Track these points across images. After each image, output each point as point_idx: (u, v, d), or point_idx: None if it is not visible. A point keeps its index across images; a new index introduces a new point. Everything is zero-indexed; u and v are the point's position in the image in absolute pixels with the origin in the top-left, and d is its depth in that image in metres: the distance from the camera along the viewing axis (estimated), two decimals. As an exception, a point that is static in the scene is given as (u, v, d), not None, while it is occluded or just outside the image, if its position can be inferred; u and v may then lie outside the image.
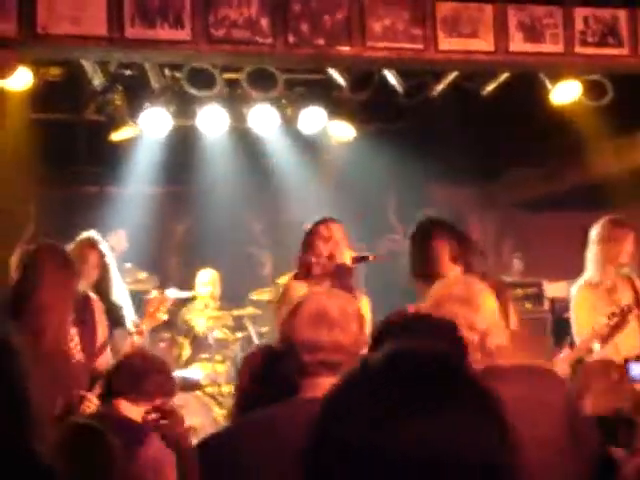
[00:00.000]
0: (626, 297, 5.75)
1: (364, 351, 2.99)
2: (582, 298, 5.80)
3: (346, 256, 5.14)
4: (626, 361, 4.03)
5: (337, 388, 1.32)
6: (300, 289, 4.87)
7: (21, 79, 6.53)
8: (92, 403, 4.50)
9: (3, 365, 2.15)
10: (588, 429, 3.09)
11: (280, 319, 4.66)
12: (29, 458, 2.09)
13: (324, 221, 5.28)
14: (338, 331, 2.84)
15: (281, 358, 2.98)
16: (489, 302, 3.11)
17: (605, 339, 5.50)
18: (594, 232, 5.90)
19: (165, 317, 5.64)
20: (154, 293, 5.93)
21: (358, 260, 5.23)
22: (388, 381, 1.27)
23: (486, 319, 3.03)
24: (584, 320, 5.70)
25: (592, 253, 5.85)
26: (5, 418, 2.10)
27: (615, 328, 5.50)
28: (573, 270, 8.17)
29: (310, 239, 5.24)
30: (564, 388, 3.04)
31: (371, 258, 5.30)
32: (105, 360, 4.88)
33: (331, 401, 1.31)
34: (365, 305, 5.06)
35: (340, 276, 5.05)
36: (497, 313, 3.12)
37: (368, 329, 4.93)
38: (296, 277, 5.27)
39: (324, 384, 2.76)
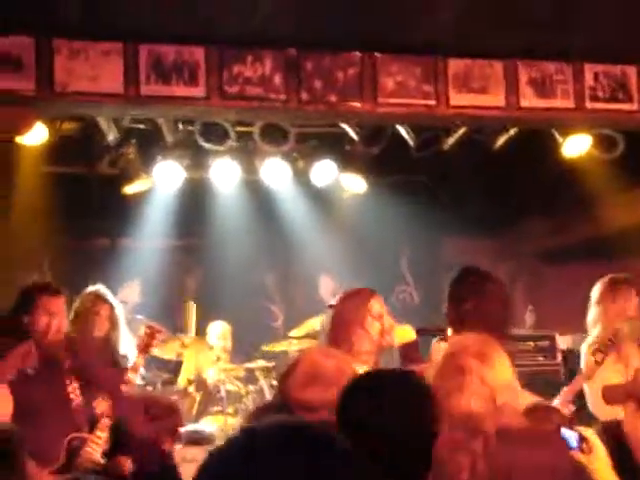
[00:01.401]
0: (632, 356, 5.74)
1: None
2: (588, 361, 5.79)
3: (404, 334, 4.64)
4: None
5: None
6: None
7: (36, 134, 6.59)
8: (96, 445, 4.53)
9: None
10: None
11: None
12: None
13: (373, 297, 4.64)
14: (334, 390, 2.85)
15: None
16: (503, 361, 3.12)
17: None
18: (594, 293, 5.93)
19: (156, 350, 5.65)
20: (143, 328, 5.93)
21: (422, 332, 4.76)
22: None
23: (498, 376, 3.03)
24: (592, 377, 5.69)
25: (594, 314, 5.87)
26: None
27: (600, 363, 5.52)
28: (584, 322, 8.17)
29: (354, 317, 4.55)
30: (569, 453, 3.03)
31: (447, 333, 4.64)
32: (104, 404, 4.89)
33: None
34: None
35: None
36: (510, 373, 3.12)
37: None
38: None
39: None
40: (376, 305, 4.58)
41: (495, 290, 4.53)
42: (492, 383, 3.00)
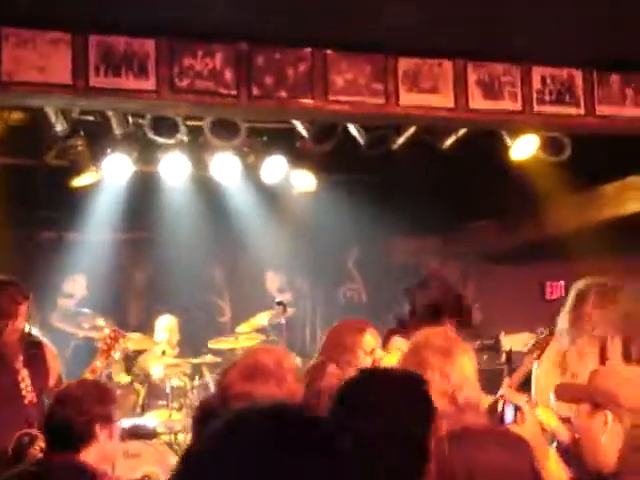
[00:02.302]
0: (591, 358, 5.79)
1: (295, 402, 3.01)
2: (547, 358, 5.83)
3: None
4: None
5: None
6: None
7: (-17, 124, 6.53)
8: (43, 443, 4.49)
9: None
10: None
11: None
12: None
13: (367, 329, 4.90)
14: (273, 383, 2.86)
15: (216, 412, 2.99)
16: (466, 357, 3.11)
17: None
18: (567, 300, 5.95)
19: (118, 355, 5.62)
20: (107, 331, 5.89)
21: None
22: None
23: (461, 373, 3.03)
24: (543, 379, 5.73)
25: (562, 324, 5.89)
26: None
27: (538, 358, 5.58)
28: (529, 322, 8.26)
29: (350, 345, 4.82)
30: (531, 454, 3.04)
31: None
32: None
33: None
34: None
35: None
36: (473, 371, 3.11)
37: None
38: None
39: None
40: (370, 340, 4.78)
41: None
42: (454, 380, 2.99)
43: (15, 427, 4.53)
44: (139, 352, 8.39)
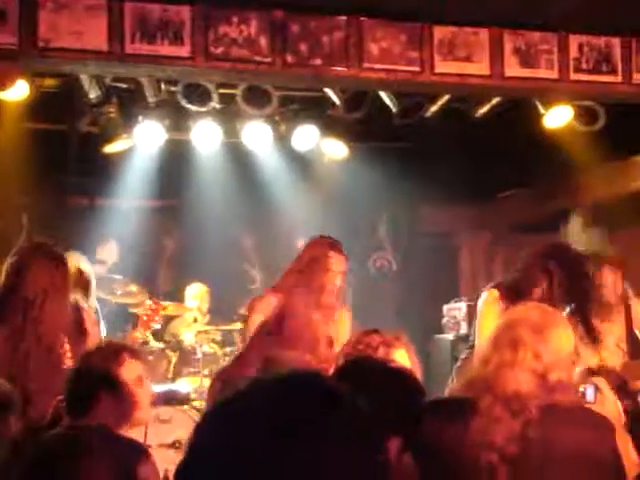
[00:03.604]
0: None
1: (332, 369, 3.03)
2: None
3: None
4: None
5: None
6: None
7: (18, 89, 6.54)
8: None
9: None
10: None
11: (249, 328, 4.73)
12: None
13: (332, 248, 5.30)
14: (306, 351, 2.89)
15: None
16: (563, 335, 3.00)
17: None
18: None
19: (158, 326, 5.66)
20: (148, 302, 5.93)
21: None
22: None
23: (553, 352, 2.92)
24: None
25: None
26: None
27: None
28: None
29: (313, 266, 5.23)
30: (613, 436, 2.95)
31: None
32: None
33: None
34: (345, 320, 5.20)
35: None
36: (569, 348, 3.01)
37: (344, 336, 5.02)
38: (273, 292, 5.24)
39: None
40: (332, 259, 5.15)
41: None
42: (546, 359, 2.89)
43: (55, 393, 4.57)
44: (170, 319, 8.43)
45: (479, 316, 5.17)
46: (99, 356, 3.69)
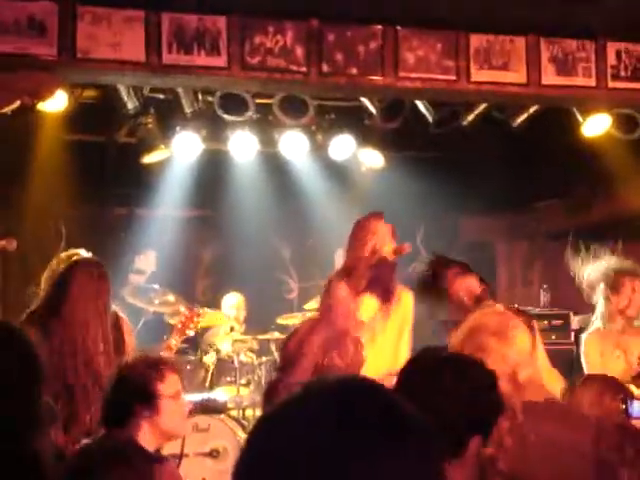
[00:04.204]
0: (633, 344, 5.75)
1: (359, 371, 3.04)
2: (592, 347, 5.81)
3: (387, 249, 5.15)
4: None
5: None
6: (342, 290, 4.95)
7: (57, 100, 6.61)
8: None
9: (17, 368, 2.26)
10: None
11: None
12: (29, 458, 2.17)
13: (372, 215, 5.33)
14: (334, 355, 2.90)
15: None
16: (522, 336, 3.13)
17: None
18: (594, 280, 5.91)
19: (193, 333, 5.69)
20: (182, 309, 5.97)
21: (396, 252, 5.21)
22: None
23: (518, 353, 3.04)
24: (595, 367, 5.69)
25: (600, 305, 5.86)
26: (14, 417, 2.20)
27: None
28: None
29: (356, 234, 5.25)
30: (598, 434, 3.02)
31: (407, 248, 5.28)
32: None
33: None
34: (408, 299, 5.22)
35: (381, 272, 5.07)
36: (529, 347, 3.14)
37: (408, 321, 4.99)
38: (338, 276, 5.21)
39: None
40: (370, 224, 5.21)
41: None
42: (513, 361, 3.00)
43: (95, 401, 4.59)
44: (207, 328, 8.47)
45: None
46: (139, 369, 3.70)
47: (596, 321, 5.90)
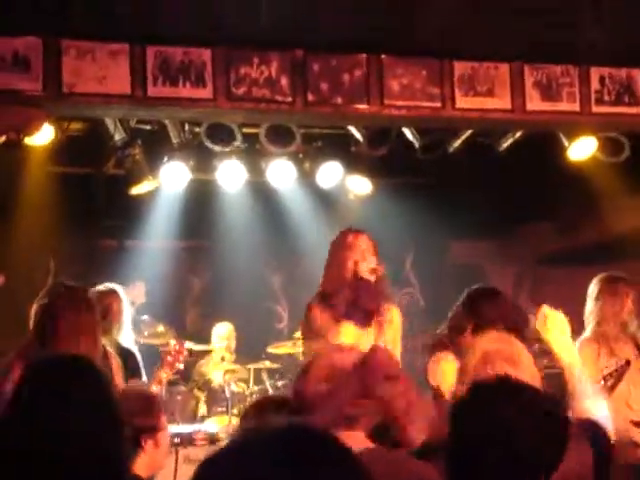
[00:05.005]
0: (626, 352, 5.76)
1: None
2: (584, 354, 5.79)
3: (366, 268, 4.87)
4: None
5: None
6: (324, 319, 4.79)
7: (43, 134, 6.62)
8: None
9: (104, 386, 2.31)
10: None
11: (309, 352, 4.63)
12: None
13: (350, 230, 5.11)
14: (397, 384, 2.88)
15: (277, 409, 3.00)
16: (528, 359, 3.13)
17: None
18: (592, 289, 5.94)
19: (182, 366, 5.67)
20: (172, 342, 5.96)
21: (374, 272, 4.90)
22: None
23: (528, 376, 3.01)
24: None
25: (591, 310, 5.88)
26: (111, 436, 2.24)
27: (612, 388, 5.49)
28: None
29: (332, 252, 5.04)
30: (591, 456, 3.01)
31: (380, 271, 4.93)
32: None
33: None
34: (396, 315, 4.98)
35: (360, 294, 4.78)
36: (536, 372, 3.13)
37: (398, 339, 4.89)
38: (318, 302, 4.96)
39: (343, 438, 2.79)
40: (349, 238, 4.98)
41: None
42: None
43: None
44: (197, 358, 8.45)
45: None
46: (142, 403, 3.72)
47: (587, 324, 5.91)
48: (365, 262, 4.88)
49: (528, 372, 3.02)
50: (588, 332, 5.87)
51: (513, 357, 3.07)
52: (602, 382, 5.46)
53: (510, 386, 2.44)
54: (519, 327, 4.59)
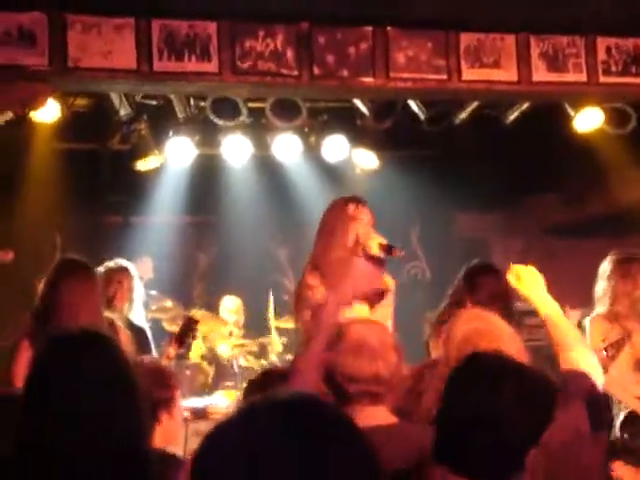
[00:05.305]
0: (638, 331, 5.77)
1: (400, 381, 3.01)
2: (595, 330, 5.78)
3: (373, 243, 4.53)
4: None
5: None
6: (319, 290, 4.43)
7: (49, 110, 6.62)
8: None
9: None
10: None
11: (303, 323, 4.48)
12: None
13: (351, 200, 4.72)
14: (379, 362, 2.89)
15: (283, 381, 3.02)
16: (510, 334, 3.12)
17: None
18: (604, 268, 5.90)
19: (193, 341, 5.68)
20: (183, 318, 5.99)
21: (386, 250, 4.52)
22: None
23: (512, 345, 3.02)
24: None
25: (603, 288, 5.84)
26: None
27: (612, 359, 5.50)
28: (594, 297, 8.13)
29: (332, 219, 4.66)
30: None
31: (399, 253, 4.53)
32: None
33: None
34: (392, 285, 4.69)
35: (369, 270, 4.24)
36: (513, 334, 3.12)
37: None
38: (312, 272, 4.64)
39: (366, 413, 2.81)
40: (351, 209, 4.64)
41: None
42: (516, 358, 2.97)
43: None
44: (206, 332, 8.46)
45: None
46: (157, 376, 3.74)
47: (599, 303, 5.89)
48: (372, 236, 4.56)
49: (513, 347, 2.98)
50: (601, 309, 5.86)
51: (490, 331, 3.05)
52: (604, 353, 5.48)
53: (497, 367, 2.42)
54: (512, 303, 4.57)
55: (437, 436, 2.35)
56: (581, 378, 3.22)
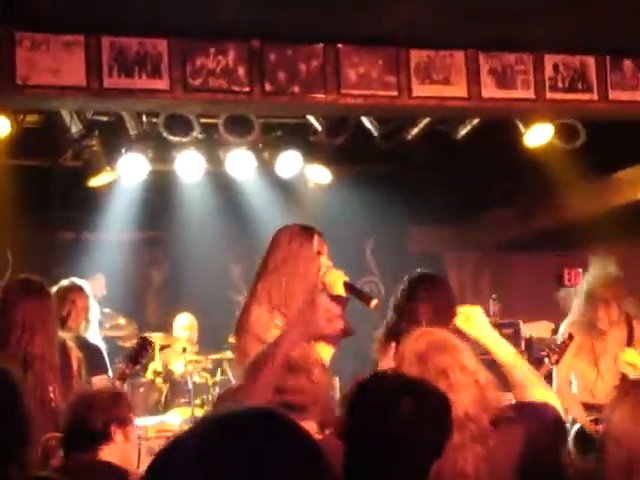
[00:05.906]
0: (616, 337, 5.84)
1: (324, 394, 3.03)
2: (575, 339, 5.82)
3: (338, 281, 4.10)
4: None
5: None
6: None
7: (-1, 127, 6.58)
8: None
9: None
10: None
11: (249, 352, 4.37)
12: None
13: (314, 232, 4.26)
14: (301, 376, 2.90)
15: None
16: (468, 350, 3.10)
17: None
18: (580, 289, 5.98)
19: (144, 361, 5.66)
20: (136, 338, 5.95)
21: (349, 289, 4.12)
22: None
23: (470, 358, 2.97)
24: (565, 360, 5.73)
25: (581, 297, 5.92)
26: None
27: (556, 362, 5.55)
28: (548, 310, 8.23)
29: (299, 251, 4.18)
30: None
31: (373, 304, 4.02)
32: None
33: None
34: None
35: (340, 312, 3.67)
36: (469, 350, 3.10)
37: None
38: (271, 312, 4.21)
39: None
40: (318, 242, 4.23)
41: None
42: (471, 368, 2.90)
43: (44, 430, 4.54)
44: (159, 350, 8.42)
45: None
46: (110, 396, 3.76)
47: (577, 313, 5.97)
48: (335, 273, 4.14)
49: (465, 354, 2.91)
50: (576, 317, 5.94)
51: (445, 343, 3.01)
52: (546, 359, 5.53)
53: (394, 384, 2.46)
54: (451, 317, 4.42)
55: (345, 455, 2.38)
56: (534, 406, 3.22)
